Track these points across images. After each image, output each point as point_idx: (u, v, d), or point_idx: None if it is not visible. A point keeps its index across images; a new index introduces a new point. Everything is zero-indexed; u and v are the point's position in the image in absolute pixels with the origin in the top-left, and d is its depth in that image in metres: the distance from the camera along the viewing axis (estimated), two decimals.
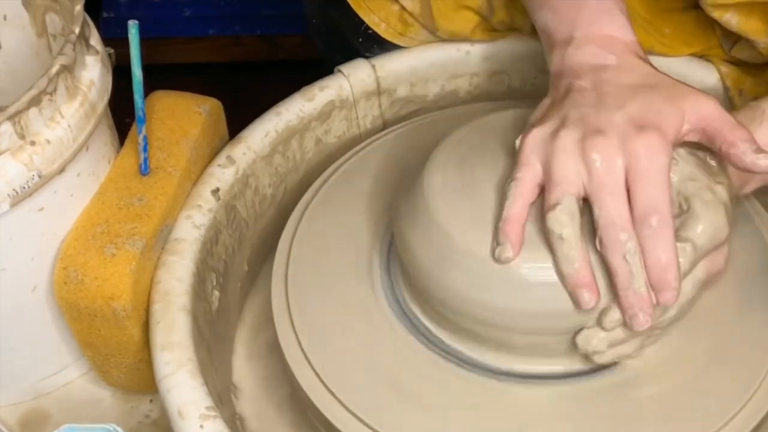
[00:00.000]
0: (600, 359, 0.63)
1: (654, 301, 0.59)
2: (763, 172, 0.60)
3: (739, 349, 0.66)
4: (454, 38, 0.89)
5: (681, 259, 0.60)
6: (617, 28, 0.68)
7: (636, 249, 0.59)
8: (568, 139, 0.61)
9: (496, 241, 0.61)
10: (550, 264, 0.61)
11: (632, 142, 0.59)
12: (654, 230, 0.58)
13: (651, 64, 0.67)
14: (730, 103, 0.85)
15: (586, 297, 0.60)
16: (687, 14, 0.85)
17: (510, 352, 0.65)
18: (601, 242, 0.59)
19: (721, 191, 0.62)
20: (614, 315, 0.61)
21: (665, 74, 0.66)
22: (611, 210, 0.59)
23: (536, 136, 0.62)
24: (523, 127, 0.65)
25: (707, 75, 0.86)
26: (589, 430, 0.63)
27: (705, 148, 0.63)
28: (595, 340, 0.62)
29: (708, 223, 0.61)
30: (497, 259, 0.61)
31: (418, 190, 0.66)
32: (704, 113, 0.61)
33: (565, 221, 0.60)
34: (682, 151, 0.63)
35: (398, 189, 0.73)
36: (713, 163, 0.63)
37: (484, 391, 0.65)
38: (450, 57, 0.89)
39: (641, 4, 0.85)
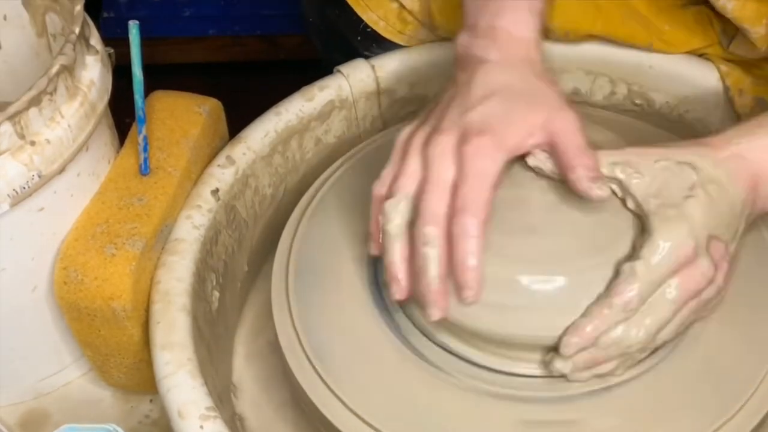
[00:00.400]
0: (575, 378, 0.62)
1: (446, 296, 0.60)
2: (597, 201, 0.60)
3: (739, 348, 0.66)
4: (453, 36, 0.88)
5: (632, 281, 0.59)
6: (515, 23, 0.67)
7: (437, 242, 0.59)
8: (419, 136, 0.63)
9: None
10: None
11: (465, 144, 0.60)
12: (461, 229, 0.59)
13: (539, 66, 0.66)
14: (731, 102, 0.85)
15: (393, 289, 0.62)
16: (686, 11, 0.85)
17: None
18: (412, 232, 0.61)
19: (691, 206, 0.60)
20: (572, 338, 0.60)
21: (547, 80, 0.65)
22: (427, 203, 0.60)
23: (407, 132, 0.65)
24: None
25: (708, 74, 0.86)
26: None
27: (693, 157, 0.62)
28: (558, 364, 0.61)
29: (664, 239, 0.59)
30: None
31: None
32: (557, 129, 0.61)
33: (391, 215, 0.62)
34: (657, 165, 0.62)
35: None
36: (701, 175, 0.62)
37: (482, 391, 0.65)
38: (450, 57, 0.89)
39: (640, 0, 0.85)
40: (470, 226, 0.59)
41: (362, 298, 0.70)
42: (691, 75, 0.87)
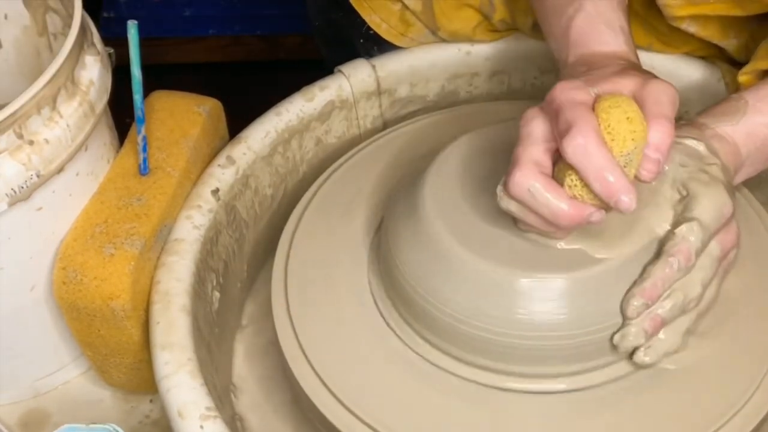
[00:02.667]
0: (646, 358, 0.63)
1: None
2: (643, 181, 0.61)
3: (739, 347, 0.66)
4: (454, 38, 0.89)
5: (691, 238, 0.61)
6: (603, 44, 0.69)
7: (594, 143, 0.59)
8: None
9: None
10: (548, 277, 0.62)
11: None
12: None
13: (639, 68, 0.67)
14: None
15: (626, 200, 0.58)
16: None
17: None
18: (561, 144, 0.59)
19: (716, 171, 0.63)
20: (635, 301, 0.61)
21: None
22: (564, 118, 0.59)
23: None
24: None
25: (709, 75, 0.86)
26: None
27: (693, 135, 0.65)
28: (630, 336, 0.62)
29: (709, 200, 0.62)
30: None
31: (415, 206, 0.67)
32: (652, 88, 0.61)
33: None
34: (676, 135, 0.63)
35: (394, 195, 0.73)
36: (701, 148, 0.64)
37: (481, 392, 0.65)
38: (450, 57, 0.89)
39: (638, 2, 0.85)
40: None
41: (362, 298, 0.70)
42: (692, 75, 0.87)
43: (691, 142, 0.65)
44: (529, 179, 0.59)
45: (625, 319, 0.62)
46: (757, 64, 0.76)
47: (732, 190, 0.65)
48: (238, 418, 0.76)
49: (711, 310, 0.65)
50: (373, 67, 0.87)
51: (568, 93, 0.59)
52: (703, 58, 0.87)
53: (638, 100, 0.60)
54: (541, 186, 0.59)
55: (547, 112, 0.60)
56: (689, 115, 0.88)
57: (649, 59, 0.87)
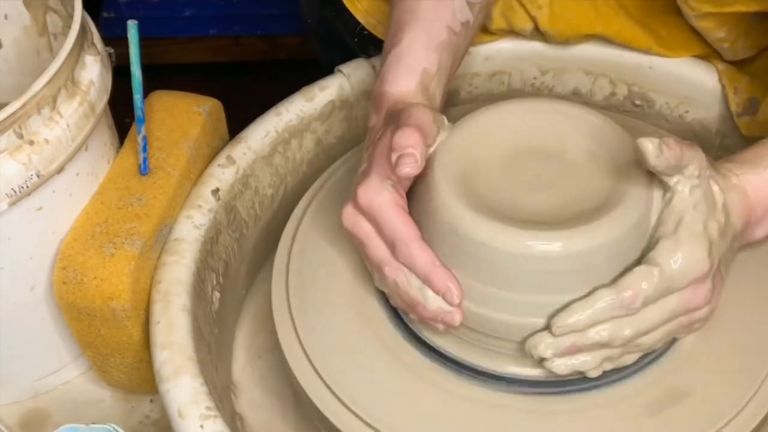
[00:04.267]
0: (554, 368, 0.61)
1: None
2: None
3: (739, 349, 0.66)
4: None
5: (643, 285, 0.59)
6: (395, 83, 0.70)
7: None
8: None
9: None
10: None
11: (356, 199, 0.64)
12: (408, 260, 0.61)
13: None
14: (726, 101, 0.85)
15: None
16: (683, 17, 0.85)
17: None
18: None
19: (713, 228, 0.61)
20: (565, 320, 0.60)
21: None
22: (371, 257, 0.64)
23: None
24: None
25: (708, 76, 0.86)
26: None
27: (720, 184, 0.63)
28: (541, 346, 0.61)
29: (686, 253, 0.60)
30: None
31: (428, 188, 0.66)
32: None
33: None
34: (708, 175, 0.62)
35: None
36: (720, 201, 0.62)
37: (484, 392, 0.65)
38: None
39: (634, 5, 0.84)
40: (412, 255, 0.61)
41: (362, 297, 0.70)
42: (691, 76, 0.87)
43: (716, 189, 0.62)
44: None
45: (548, 329, 0.60)
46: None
47: (722, 251, 0.62)
48: (238, 418, 0.76)
49: (649, 348, 0.63)
50: (374, 67, 0.87)
51: (373, 198, 0.61)
52: (703, 60, 0.87)
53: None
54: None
55: (366, 217, 0.63)
56: (688, 115, 0.88)
57: (648, 60, 0.87)
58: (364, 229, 0.63)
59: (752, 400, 0.63)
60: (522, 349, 0.63)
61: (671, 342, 0.65)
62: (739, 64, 0.85)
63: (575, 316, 0.60)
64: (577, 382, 0.64)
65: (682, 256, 0.60)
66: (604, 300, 0.59)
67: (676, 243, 0.60)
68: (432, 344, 0.66)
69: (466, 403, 0.64)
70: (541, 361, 0.61)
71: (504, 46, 0.89)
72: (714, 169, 0.63)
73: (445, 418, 0.64)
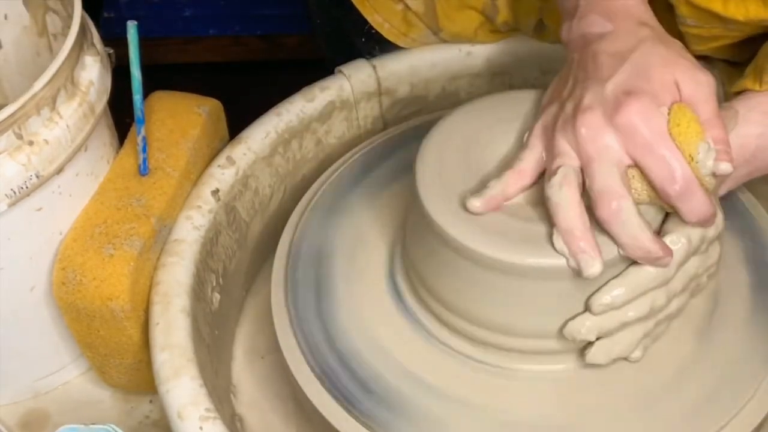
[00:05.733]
0: (596, 360, 0.62)
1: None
2: (722, 174, 0.60)
3: (739, 348, 0.66)
4: (456, 39, 0.89)
5: (677, 248, 0.60)
6: None
7: (631, 210, 0.58)
8: (563, 119, 0.61)
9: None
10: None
11: (620, 113, 0.59)
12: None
13: (654, 27, 0.65)
14: (726, 99, 0.85)
15: (588, 261, 0.58)
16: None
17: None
18: (596, 208, 0.59)
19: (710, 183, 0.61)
20: (604, 298, 0.60)
21: (667, 39, 0.64)
22: (599, 179, 0.59)
23: (542, 122, 0.63)
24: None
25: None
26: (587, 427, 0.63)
27: None
28: (583, 329, 0.61)
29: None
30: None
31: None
32: (693, 89, 0.60)
33: (559, 187, 0.59)
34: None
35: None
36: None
37: (488, 391, 0.65)
38: (451, 58, 0.89)
39: None
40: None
41: (362, 298, 0.70)
42: None
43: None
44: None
45: (588, 311, 0.61)
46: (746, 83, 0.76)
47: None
48: (237, 419, 0.76)
49: (672, 320, 0.64)
50: (374, 67, 0.87)
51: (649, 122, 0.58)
52: (702, 59, 0.87)
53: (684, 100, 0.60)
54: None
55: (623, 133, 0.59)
56: None
57: None
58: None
59: (752, 400, 0.63)
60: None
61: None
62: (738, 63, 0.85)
63: (615, 292, 0.60)
64: None
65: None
66: (640, 274, 0.60)
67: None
68: (436, 343, 0.67)
69: (471, 401, 0.64)
70: (584, 349, 0.62)
71: (505, 47, 0.89)
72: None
73: (447, 419, 0.63)
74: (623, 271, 0.61)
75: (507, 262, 0.60)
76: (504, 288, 0.61)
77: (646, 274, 0.60)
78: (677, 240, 0.60)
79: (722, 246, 0.65)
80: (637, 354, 0.63)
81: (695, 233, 0.61)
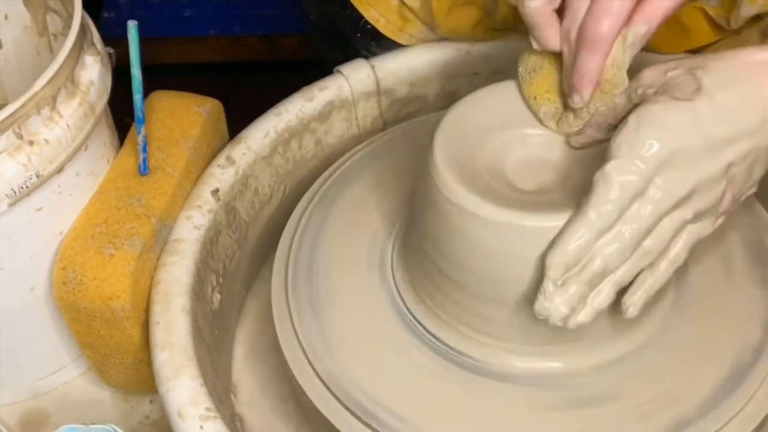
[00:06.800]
0: (574, 322, 0.58)
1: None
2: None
3: (739, 348, 0.66)
4: (453, 36, 0.88)
5: (606, 192, 0.56)
6: None
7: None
8: None
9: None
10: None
11: None
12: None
13: None
14: None
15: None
16: (679, 12, 0.85)
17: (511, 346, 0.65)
18: None
19: (701, 101, 0.58)
20: (551, 258, 0.56)
21: None
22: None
23: None
24: None
25: None
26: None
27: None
28: (552, 307, 0.57)
29: (646, 126, 0.56)
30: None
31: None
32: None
33: None
34: (668, 75, 0.60)
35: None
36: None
37: (485, 392, 0.65)
38: (450, 57, 0.89)
39: None
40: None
41: (363, 297, 0.70)
42: None
43: (694, 71, 0.58)
44: None
45: (546, 279, 0.57)
46: None
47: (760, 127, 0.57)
48: (238, 418, 0.76)
49: (674, 268, 0.59)
50: (373, 67, 0.87)
51: None
52: (694, 52, 0.87)
53: None
54: None
55: None
56: None
57: (647, 58, 0.87)
58: None
59: (752, 400, 0.63)
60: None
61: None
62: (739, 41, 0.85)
63: (560, 251, 0.56)
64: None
65: (642, 132, 0.55)
66: (576, 224, 0.56)
67: (627, 120, 0.57)
68: (437, 341, 0.67)
69: (474, 402, 0.64)
70: (563, 322, 0.58)
71: (504, 46, 0.89)
72: (726, 51, 0.60)
73: (451, 417, 0.64)
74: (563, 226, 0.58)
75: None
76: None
77: (578, 220, 0.56)
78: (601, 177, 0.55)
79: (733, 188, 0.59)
80: (631, 310, 0.59)
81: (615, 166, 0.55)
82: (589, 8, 0.60)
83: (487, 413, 0.63)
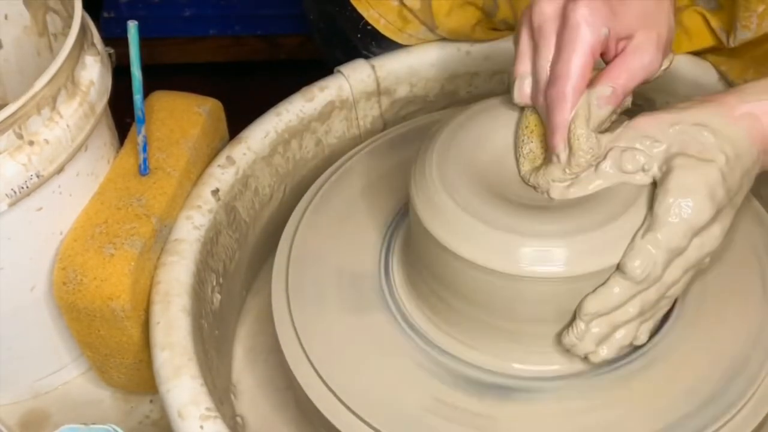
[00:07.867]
0: (597, 357, 0.62)
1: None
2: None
3: (739, 348, 0.66)
4: (453, 36, 0.89)
5: (651, 257, 0.59)
6: None
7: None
8: None
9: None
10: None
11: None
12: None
13: None
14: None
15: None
16: (681, 13, 0.85)
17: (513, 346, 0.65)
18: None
19: (712, 168, 0.60)
20: (589, 307, 0.60)
21: None
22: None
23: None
24: None
25: (707, 74, 0.86)
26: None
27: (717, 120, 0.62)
28: (582, 344, 0.61)
29: (683, 207, 0.59)
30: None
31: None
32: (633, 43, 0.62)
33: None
34: (672, 130, 0.61)
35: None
36: (710, 139, 0.61)
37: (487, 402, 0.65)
38: (450, 57, 0.89)
39: None
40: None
41: (363, 298, 0.70)
42: (691, 75, 0.87)
43: (698, 128, 0.61)
44: None
45: (578, 319, 0.61)
46: None
47: (748, 179, 0.62)
48: (238, 418, 0.76)
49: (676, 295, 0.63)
50: (373, 67, 0.87)
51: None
52: (701, 59, 0.87)
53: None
54: None
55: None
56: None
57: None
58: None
59: (752, 400, 0.63)
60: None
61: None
62: (743, 57, 0.85)
63: (600, 304, 0.60)
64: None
65: (680, 203, 0.58)
66: (618, 286, 0.60)
67: (666, 192, 0.59)
68: (435, 345, 0.67)
69: (472, 401, 0.64)
70: (586, 357, 0.62)
71: (504, 46, 0.89)
72: (712, 104, 0.62)
73: (447, 419, 0.64)
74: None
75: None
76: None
77: (623, 285, 0.59)
78: (650, 242, 0.59)
79: (728, 222, 0.62)
80: (641, 339, 0.63)
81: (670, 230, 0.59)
82: (550, 69, 0.62)
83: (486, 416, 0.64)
